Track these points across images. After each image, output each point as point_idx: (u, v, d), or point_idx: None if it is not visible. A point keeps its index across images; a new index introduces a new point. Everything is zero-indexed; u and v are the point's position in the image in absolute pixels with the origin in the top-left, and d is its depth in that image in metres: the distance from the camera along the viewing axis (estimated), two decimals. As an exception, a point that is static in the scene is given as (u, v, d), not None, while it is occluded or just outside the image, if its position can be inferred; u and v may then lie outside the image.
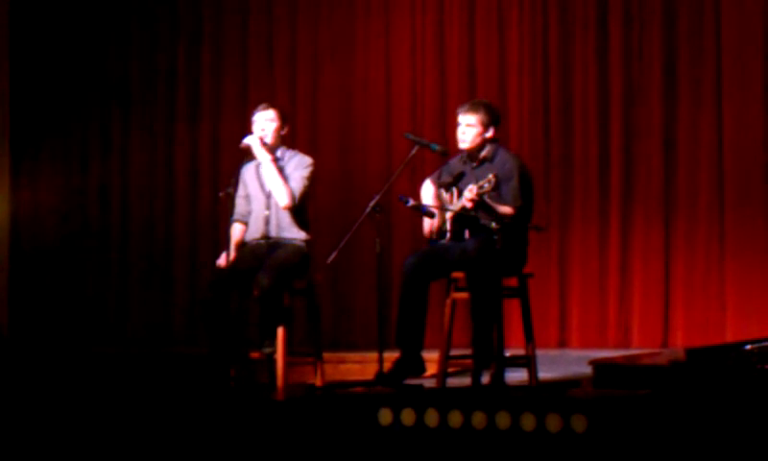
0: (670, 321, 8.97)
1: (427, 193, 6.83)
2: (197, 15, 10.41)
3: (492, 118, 6.74)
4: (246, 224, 7.06)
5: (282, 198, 6.87)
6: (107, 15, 10.53)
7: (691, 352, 5.83)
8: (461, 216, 6.57)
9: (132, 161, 10.44)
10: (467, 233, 6.61)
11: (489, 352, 6.43)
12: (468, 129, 6.70)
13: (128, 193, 10.45)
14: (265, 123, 6.97)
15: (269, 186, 6.92)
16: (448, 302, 6.70)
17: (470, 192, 6.38)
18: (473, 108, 6.73)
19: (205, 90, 10.33)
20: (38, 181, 10.58)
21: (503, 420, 5.05)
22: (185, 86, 10.38)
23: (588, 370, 6.32)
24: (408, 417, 5.23)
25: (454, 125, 6.86)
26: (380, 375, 6.53)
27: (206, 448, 5.63)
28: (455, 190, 6.70)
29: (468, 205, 6.41)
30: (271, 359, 6.74)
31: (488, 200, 6.42)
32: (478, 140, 6.72)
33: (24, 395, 6.51)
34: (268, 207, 6.95)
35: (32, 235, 10.59)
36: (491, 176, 6.38)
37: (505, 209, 6.52)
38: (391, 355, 6.60)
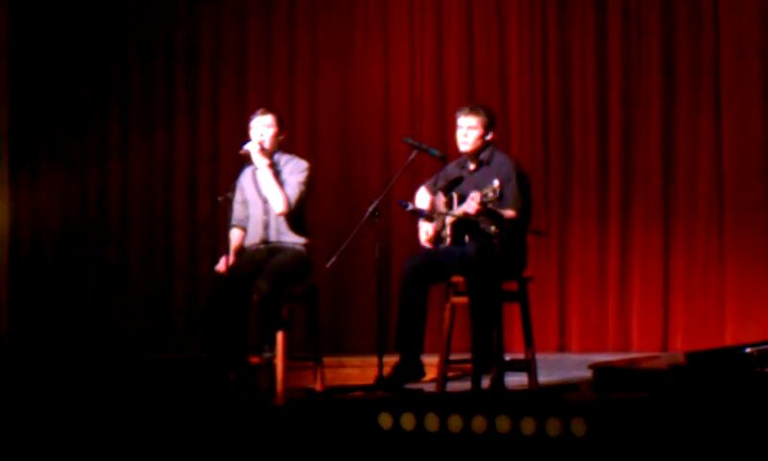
0: (670, 324, 8.97)
1: (422, 200, 6.84)
2: (195, 19, 10.40)
3: (492, 121, 6.77)
4: (244, 229, 7.06)
5: (278, 204, 6.86)
6: (105, 18, 10.53)
7: (691, 356, 5.83)
8: (461, 221, 6.57)
9: (130, 165, 10.43)
10: (466, 238, 6.61)
11: (488, 357, 6.42)
12: (471, 131, 6.71)
13: (127, 197, 10.44)
14: (263, 128, 6.97)
15: (265, 193, 6.92)
16: (448, 306, 6.69)
17: (474, 201, 6.36)
18: (474, 110, 6.74)
19: (204, 94, 10.32)
20: (37, 184, 10.57)
21: (503, 424, 5.05)
22: (184, 90, 10.37)
23: (587, 373, 6.32)
24: (408, 421, 5.23)
25: (453, 129, 6.87)
26: (380, 379, 6.52)
27: (206, 453, 5.63)
28: (455, 195, 6.69)
29: (472, 212, 6.40)
30: (270, 364, 6.73)
31: (491, 207, 6.40)
32: (479, 143, 6.73)
33: (24, 399, 6.50)
34: (266, 212, 6.95)
35: (31, 239, 10.58)
36: (495, 185, 6.33)
37: (509, 213, 6.52)
38: (390, 360, 6.60)
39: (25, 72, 10.56)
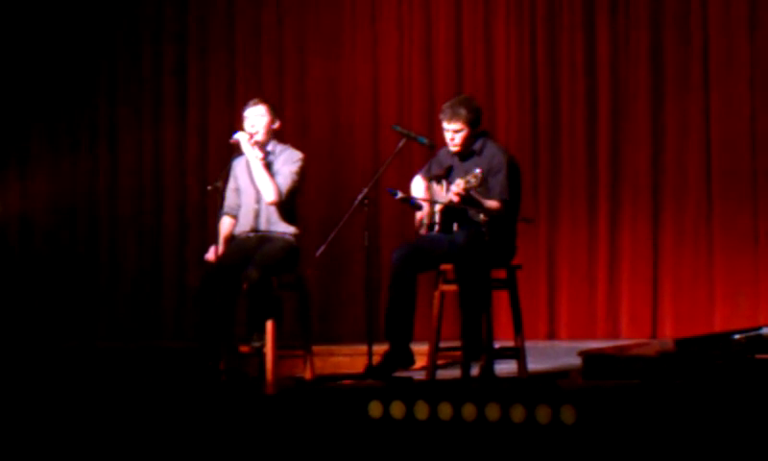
0: (659, 311, 8.98)
1: (417, 187, 6.83)
2: (183, 8, 10.38)
3: (476, 114, 6.73)
4: (235, 217, 7.06)
5: (268, 194, 6.86)
6: (92, 9, 10.50)
7: (680, 342, 5.85)
8: (449, 209, 6.57)
9: (120, 156, 10.41)
10: (455, 226, 6.61)
11: (478, 344, 6.43)
12: (457, 134, 6.69)
13: (116, 188, 10.42)
14: (255, 118, 6.97)
15: (255, 182, 6.91)
16: (437, 294, 6.70)
17: (457, 187, 6.38)
18: (456, 113, 6.67)
19: (192, 85, 10.30)
20: (26, 176, 10.56)
21: (493, 412, 5.06)
22: (172, 81, 10.35)
23: (577, 361, 6.33)
24: (398, 409, 5.24)
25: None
26: (370, 367, 6.53)
27: (196, 442, 5.63)
28: (445, 183, 6.70)
29: (455, 199, 6.41)
30: (260, 353, 6.74)
31: (474, 195, 6.42)
32: (468, 141, 6.72)
33: (13, 391, 6.50)
34: (258, 202, 6.95)
35: (20, 231, 10.57)
36: (477, 171, 6.38)
37: (491, 204, 6.53)
38: (380, 348, 6.61)
39: (11, 66, 10.53)
